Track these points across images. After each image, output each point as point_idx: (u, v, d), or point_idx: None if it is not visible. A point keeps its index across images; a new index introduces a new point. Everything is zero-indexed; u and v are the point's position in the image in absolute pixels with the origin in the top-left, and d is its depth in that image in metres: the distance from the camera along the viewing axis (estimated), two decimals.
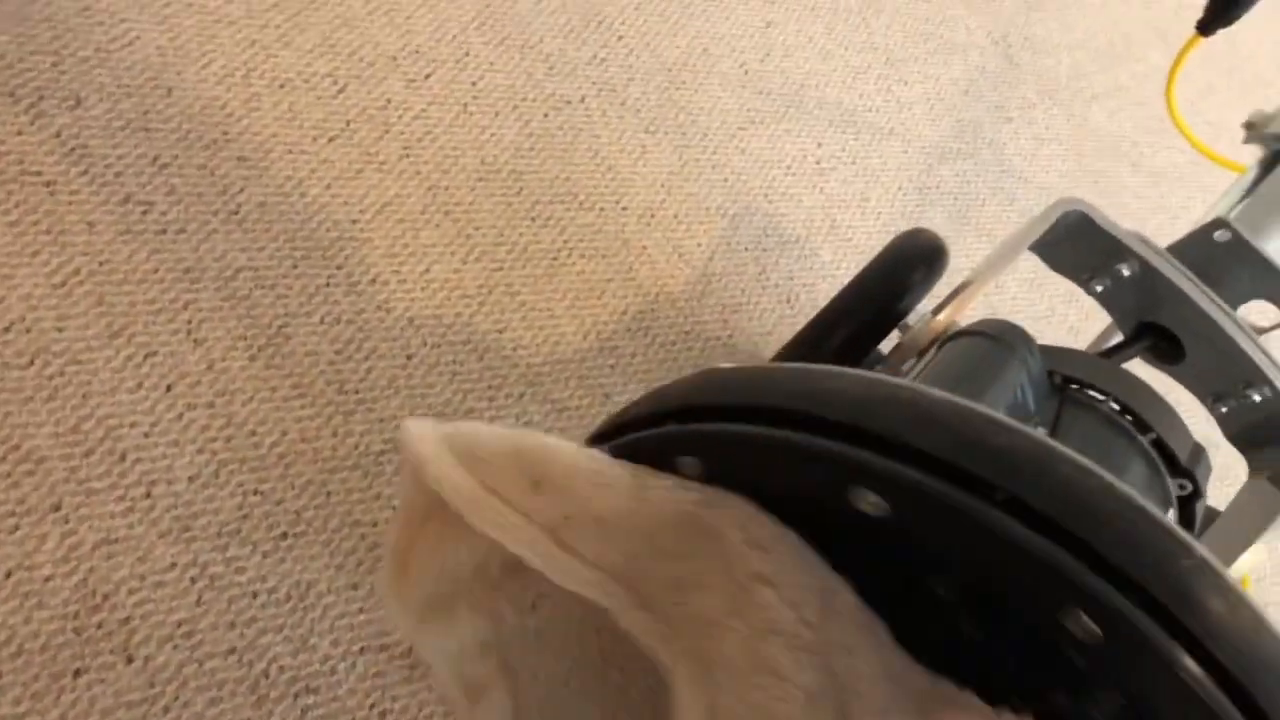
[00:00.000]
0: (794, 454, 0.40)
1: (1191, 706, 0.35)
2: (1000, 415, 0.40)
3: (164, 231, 0.78)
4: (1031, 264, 1.23)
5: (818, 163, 1.16)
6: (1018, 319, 1.20)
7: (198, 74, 0.86)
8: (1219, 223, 0.68)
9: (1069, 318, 1.19)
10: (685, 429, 0.44)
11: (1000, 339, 0.59)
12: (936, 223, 1.19)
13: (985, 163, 1.28)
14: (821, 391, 0.42)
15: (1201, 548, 0.38)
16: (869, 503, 0.38)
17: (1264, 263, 0.67)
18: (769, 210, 1.09)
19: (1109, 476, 0.38)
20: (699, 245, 1.02)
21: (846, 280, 0.79)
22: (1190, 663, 0.35)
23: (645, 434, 0.46)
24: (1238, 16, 0.87)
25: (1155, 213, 1.39)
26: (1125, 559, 0.36)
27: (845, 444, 0.39)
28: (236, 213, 0.82)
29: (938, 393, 0.42)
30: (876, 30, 1.32)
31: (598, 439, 0.50)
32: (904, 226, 1.14)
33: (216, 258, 0.79)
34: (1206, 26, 0.87)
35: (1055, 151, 1.36)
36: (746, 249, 1.05)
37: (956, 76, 1.35)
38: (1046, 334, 1.17)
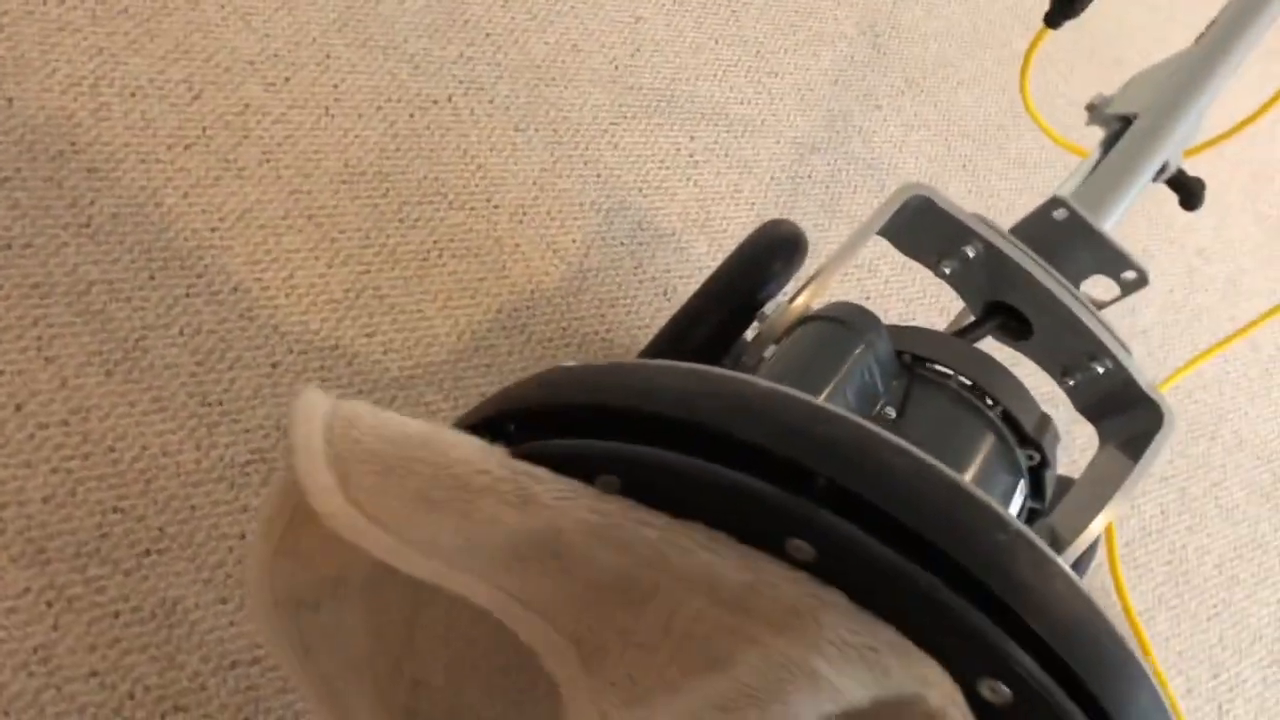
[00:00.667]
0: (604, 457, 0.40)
1: (1015, 682, 0.37)
2: (821, 403, 0.41)
3: (8, 247, 0.76)
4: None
5: (691, 156, 1.17)
6: (891, 301, 1.22)
7: (41, 83, 0.84)
8: (1056, 201, 0.70)
9: (940, 299, 1.22)
10: (525, 446, 0.44)
11: (847, 322, 0.61)
12: (809, 211, 1.21)
13: (855, 152, 1.31)
14: (651, 388, 0.42)
15: (1017, 522, 0.39)
16: None
17: (1100, 239, 0.70)
18: (643, 204, 1.10)
19: (926, 457, 0.39)
20: (573, 241, 1.03)
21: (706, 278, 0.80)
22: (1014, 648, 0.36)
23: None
24: (1082, 9, 0.90)
25: (1022, 194, 1.43)
26: (941, 539, 0.37)
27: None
28: (88, 225, 0.80)
29: (763, 384, 0.42)
30: (746, 23, 1.34)
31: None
32: (777, 216, 1.16)
33: (67, 272, 0.77)
34: (1053, 19, 0.90)
35: (924, 138, 1.39)
36: (622, 243, 1.06)
37: (826, 67, 1.37)
38: (918, 315, 1.20)
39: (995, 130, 1.47)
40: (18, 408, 0.71)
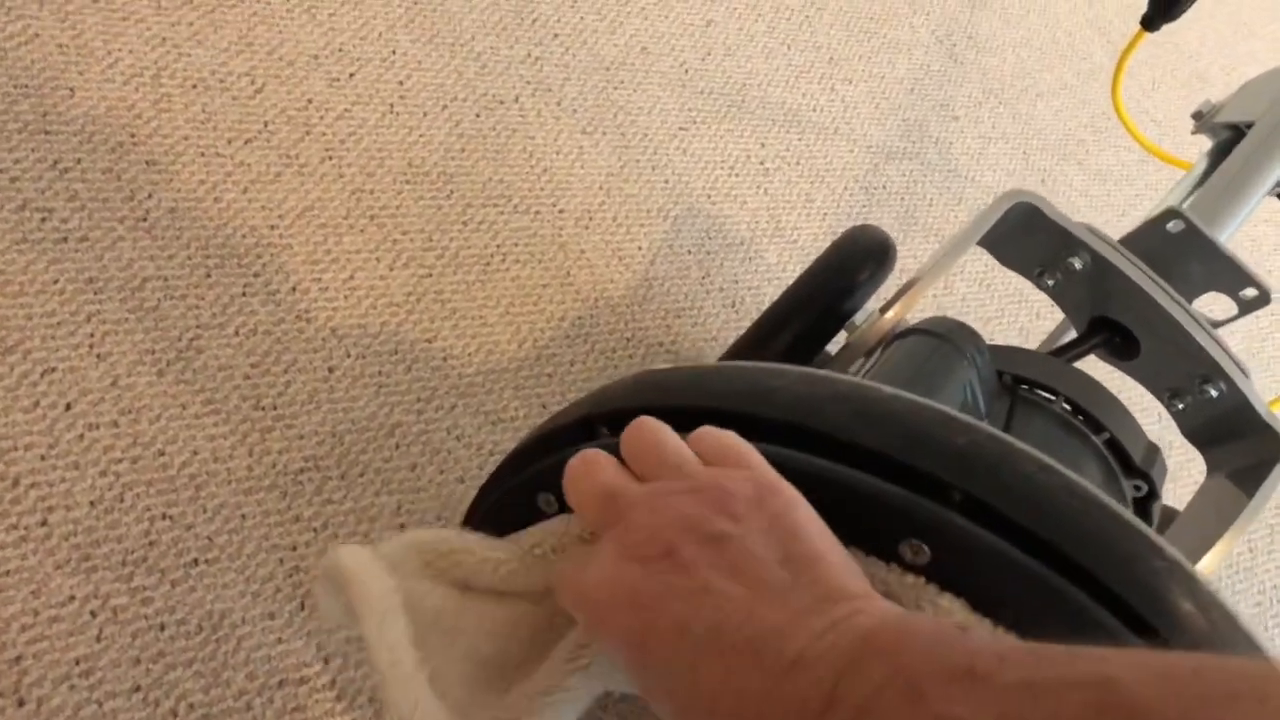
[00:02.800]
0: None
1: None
2: (955, 412, 0.37)
3: (64, 240, 0.73)
4: (980, 264, 1.21)
5: (761, 163, 1.13)
6: (967, 320, 1.17)
7: (103, 73, 0.81)
8: (1172, 213, 0.65)
9: (1019, 318, 1.17)
10: (614, 440, 0.41)
11: (948, 338, 0.56)
12: (883, 223, 1.16)
13: (931, 162, 1.26)
14: (764, 390, 0.38)
15: (1172, 549, 0.35)
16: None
17: (1218, 253, 0.64)
18: (712, 212, 1.06)
19: (1073, 475, 0.35)
20: (640, 248, 0.99)
21: (792, 282, 0.76)
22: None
23: (570, 449, 0.43)
24: (1181, 12, 0.85)
25: (1102, 210, 1.38)
26: (1094, 562, 0.33)
27: (790, 448, 0.36)
28: (145, 219, 0.77)
29: (888, 390, 0.38)
30: (819, 29, 1.30)
31: (524, 453, 0.46)
32: (852, 226, 1.12)
33: (122, 267, 0.74)
34: (1151, 22, 0.85)
35: (1001, 150, 1.34)
36: (689, 251, 1.02)
37: (901, 75, 1.33)
38: (996, 335, 1.15)
39: (1075, 144, 1.41)
40: (68, 407, 0.68)
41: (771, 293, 1.02)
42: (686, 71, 1.14)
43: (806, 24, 1.29)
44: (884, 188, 1.20)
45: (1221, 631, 0.34)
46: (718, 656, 0.29)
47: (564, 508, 0.42)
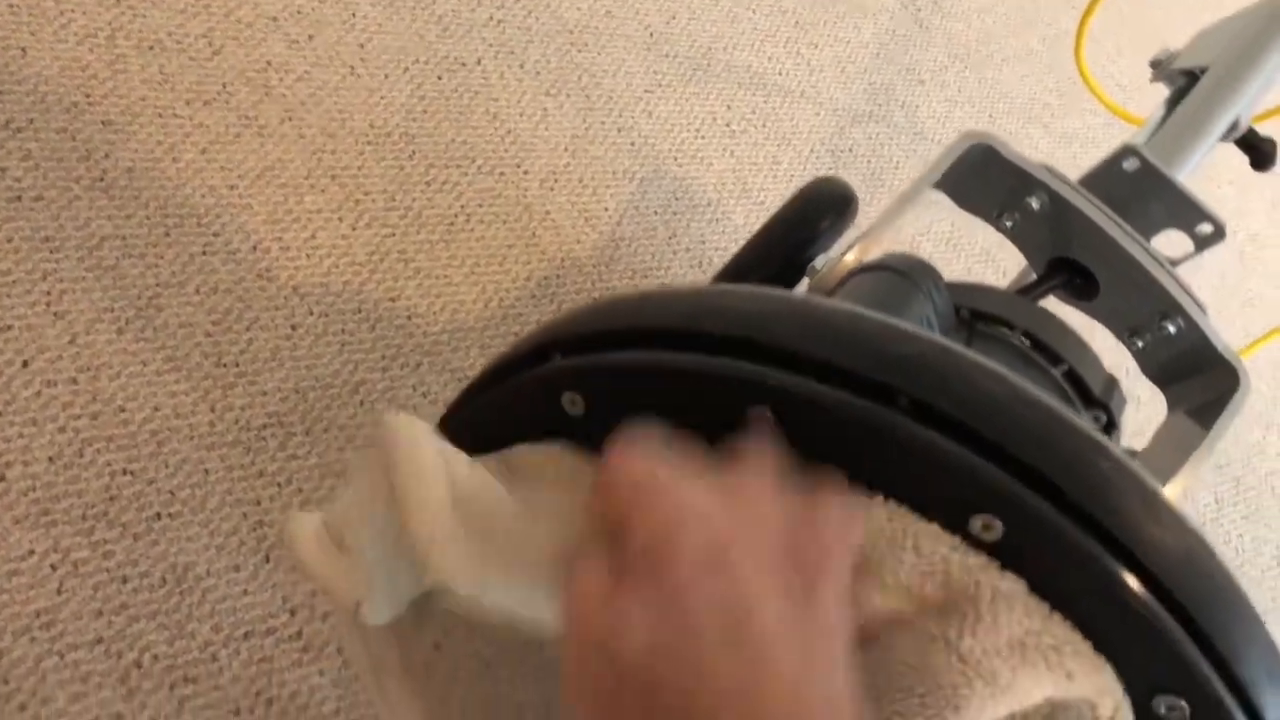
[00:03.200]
0: (683, 377, 0.37)
1: (1110, 608, 0.33)
2: (898, 321, 0.37)
3: (18, 199, 0.73)
4: (947, 225, 1.21)
5: (728, 125, 1.13)
6: (950, 266, 1.17)
7: (56, 34, 0.81)
8: (1128, 150, 0.65)
9: (986, 276, 1.17)
10: (566, 364, 0.41)
11: (904, 272, 0.56)
12: (850, 184, 1.16)
13: (898, 125, 1.26)
14: (711, 309, 0.38)
15: (1117, 449, 0.35)
16: (766, 419, 0.35)
17: (1173, 190, 0.65)
18: (678, 173, 1.06)
19: (1018, 380, 0.35)
20: (606, 209, 0.99)
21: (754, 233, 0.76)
22: (1113, 565, 0.32)
23: (526, 375, 0.42)
24: None
25: (1070, 172, 1.38)
26: (1041, 461, 0.33)
27: (739, 361, 0.36)
28: (101, 179, 0.76)
29: (831, 302, 0.38)
30: None
31: (485, 383, 0.46)
32: None
33: (79, 226, 0.74)
34: None
35: (967, 114, 1.34)
36: (656, 213, 1.02)
37: (867, 40, 1.33)
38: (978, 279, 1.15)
39: (1041, 108, 1.42)
40: (25, 364, 0.67)
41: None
42: (651, 35, 1.14)
43: None
44: (850, 150, 1.20)
45: (1172, 532, 0.34)
46: None
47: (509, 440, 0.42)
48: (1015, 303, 0.60)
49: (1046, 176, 0.64)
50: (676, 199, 1.04)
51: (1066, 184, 0.65)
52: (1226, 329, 1.39)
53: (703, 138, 1.10)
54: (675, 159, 1.07)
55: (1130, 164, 0.65)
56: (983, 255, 1.18)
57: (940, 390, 0.34)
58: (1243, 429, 1.24)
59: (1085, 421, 0.37)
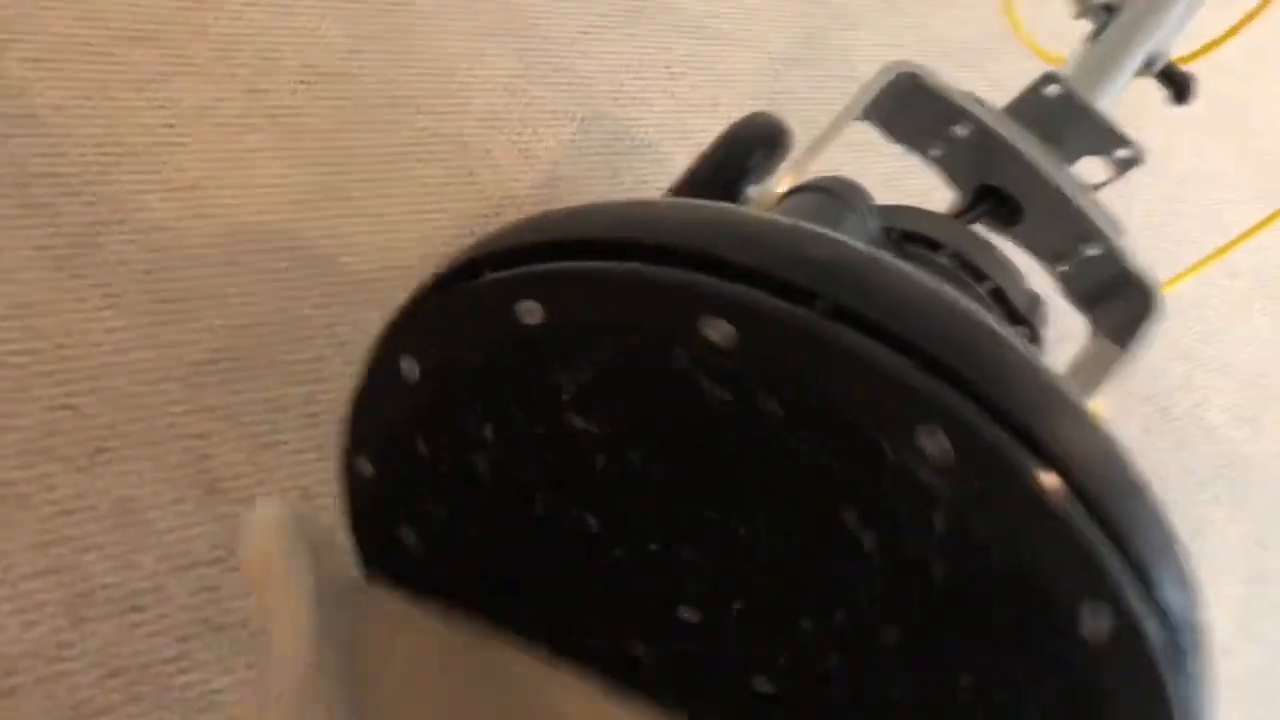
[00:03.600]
0: (621, 284, 0.38)
1: (1041, 522, 0.34)
2: (820, 228, 0.39)
3: None
4: (885, 167, 1.23)
5: (666, 68, 1.14)
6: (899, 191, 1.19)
7: None
8: (1049, 77, 0.68)
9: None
10: (515, 273, 0.42)
11: (834, 192, 0.58)
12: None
13: (833, 69, 1.28)
14: (638, 219, 0.40)
15: (1037, 355, 0.37)
16: (712, 328, 0.36)
17: (1092, 115, 0.67)
18: (618, 114, 1.07)
19: (939, 286, 0.37)
20: (545, 149, 0.99)
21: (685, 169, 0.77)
22: (1045, 475, 0.34)
23: (485, 280, 0.43)
24: None
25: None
26: (970, 372, 0.34)
27: (680, 269, 0.37)
28: (33, 116, 0.76)
29: (754, 212, 0.40)
30: None
31: (438, 286, 0.47)
32: None
33: (8, 163, 0.73)
34: None
35: (903, 57, 1.36)
36: (597, 153, 1.02)
37: None
38: None
39: (977, 52, 1.44)
40: None
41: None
42: None
43: None
44: (788, 93, 1.21)
45: (1096, 440, 0.36)
46: None
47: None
48: (943, 223, 0.63)
49: (971, 104, 0.66)
50: (617, 139, 1.04)
51: (991, 112, 0.67)
52: (1155, 268, 1.42)
53: (643, 80, 1.11)
54: (614, 100, 1.07)
55: (1051, 90, 0.68)
56: (921, 198, 1.20)
57: (859, 292, 0.35)
58: (1170, 361, 1.28)
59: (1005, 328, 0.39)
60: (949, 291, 0.36)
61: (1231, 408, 1.28)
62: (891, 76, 0.66)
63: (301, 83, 0.88)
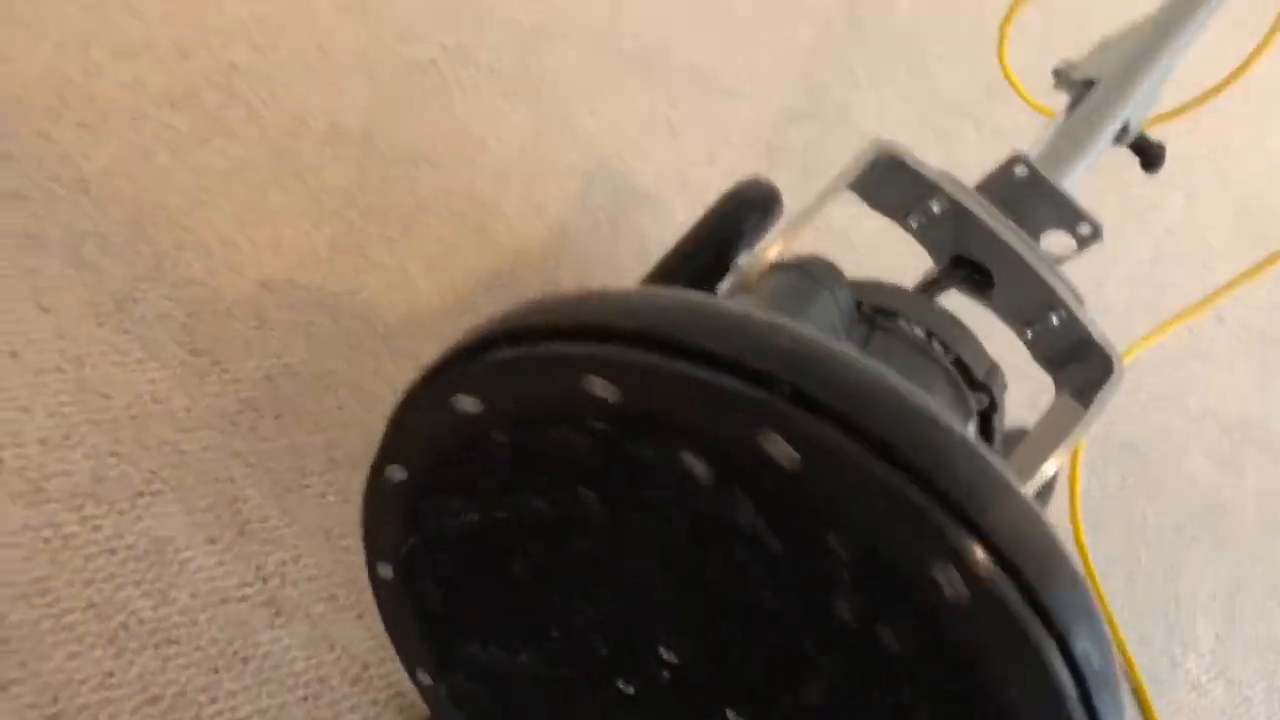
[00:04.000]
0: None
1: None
2: (784, 321, 0.44)
3: (2, 199, 0.78)
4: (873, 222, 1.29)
5: (669, 123, 1.20)
6: (876, 264, 1.25)
7: (33, 42, 0.86)
8: (1017, 159, 0.73)
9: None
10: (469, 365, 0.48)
11: (810, 272, 0.64)
12: (784, 180, 1.23)
13: (832, 122, 1.33)
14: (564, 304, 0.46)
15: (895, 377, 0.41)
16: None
17: (1056, 194, 0.72)
18: (622, 169, 1.13)
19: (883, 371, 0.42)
20: (555, 204, 1.05)
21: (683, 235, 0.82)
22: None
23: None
24: None
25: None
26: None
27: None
28: (82, 180, 0.82)
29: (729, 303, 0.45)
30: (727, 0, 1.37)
31: (436, 368, 0.53)
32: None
33: (61, 225, 0.79)
34: None
35: (900, 111, 1.42)
36: (601, 207, 1.08)
37: (803, 37, 1.40)
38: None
39: (972, 104, 1.50)
40: (14, 355, 0.73)
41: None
42: (597, 35, 1.21)
43: None
44: (785, 147, 1.27)
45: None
46: None
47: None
48: (910, 298, 0.68)
49: (945, 182, 0.72)
50: (620, 193, 1.10)
51: (963, 189, 0.72)
52: (1141, 315, 1.47)
53: (647, 134, 1.17)
54: (619, 155, 1.13)
55: (1020, 171, 0.73)
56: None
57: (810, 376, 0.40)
58: (1151, 410, 1.33)
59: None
60: (893, 377, 0.42)
61: (1211, 453, 1.32)
62: (873, 155, 0.72)
63: (327, 144, 0.94)
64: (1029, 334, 0.75)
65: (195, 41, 0.93)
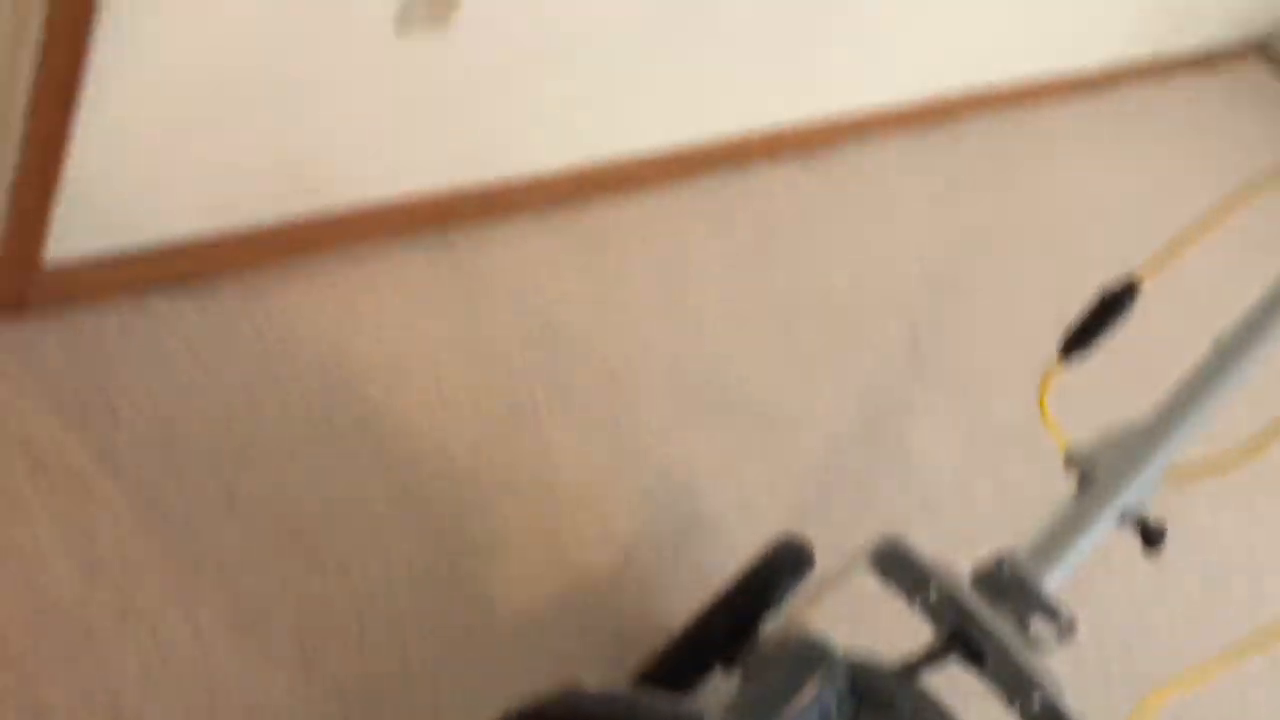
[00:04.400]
0: None
1: None
2: None
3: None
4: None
5: (735, 452, 1.35)
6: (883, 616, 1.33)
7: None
8: (1004, 559, 0.86)
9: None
10: None
11: (810, 657, 0.77)
12: (837, 509, 1.37)
13: (886, 451, 1.47)
14: None
15: None
16: None
17: (1037, 597, 0.85)
18: (691, 497, 1.28)
19: None
20: (625, 530, 1.20)
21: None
22: None
23: None
24: (1088, 348, 1.07)
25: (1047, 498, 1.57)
26: None
27: None
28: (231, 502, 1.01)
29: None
30: (801, 335, 1.54)
31: None
32: (809, 512, 1.33)
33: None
34: (1068, 350, 1.07)
35: (951, 440, 1.55)
36: (666, 535, 1.23)
37: (865, 368, 1.56)
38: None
39: (1025, 436, 1.61)
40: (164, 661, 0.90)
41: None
42: (679, 372, 1.39)
43: (786, 330, 1.54)
44: (840, 476, 1.41)
45: None
46: None
47: None
48: (897, 679, 0.80)
49: (940, 574, 0.85)
50: (684, 520, 1.25)
51: (956, 583, 0.85)
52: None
53: (715, 463, 1.33)
54: (688, 485, 1.29)
55: (1006, 569, 0.86)
56: None
57: None
58: None
59: None
60: None
61: None
62: (880, 547, 0.86)
63: (436, 476, 1.13)
64: (1015, 705, 0.86)
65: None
